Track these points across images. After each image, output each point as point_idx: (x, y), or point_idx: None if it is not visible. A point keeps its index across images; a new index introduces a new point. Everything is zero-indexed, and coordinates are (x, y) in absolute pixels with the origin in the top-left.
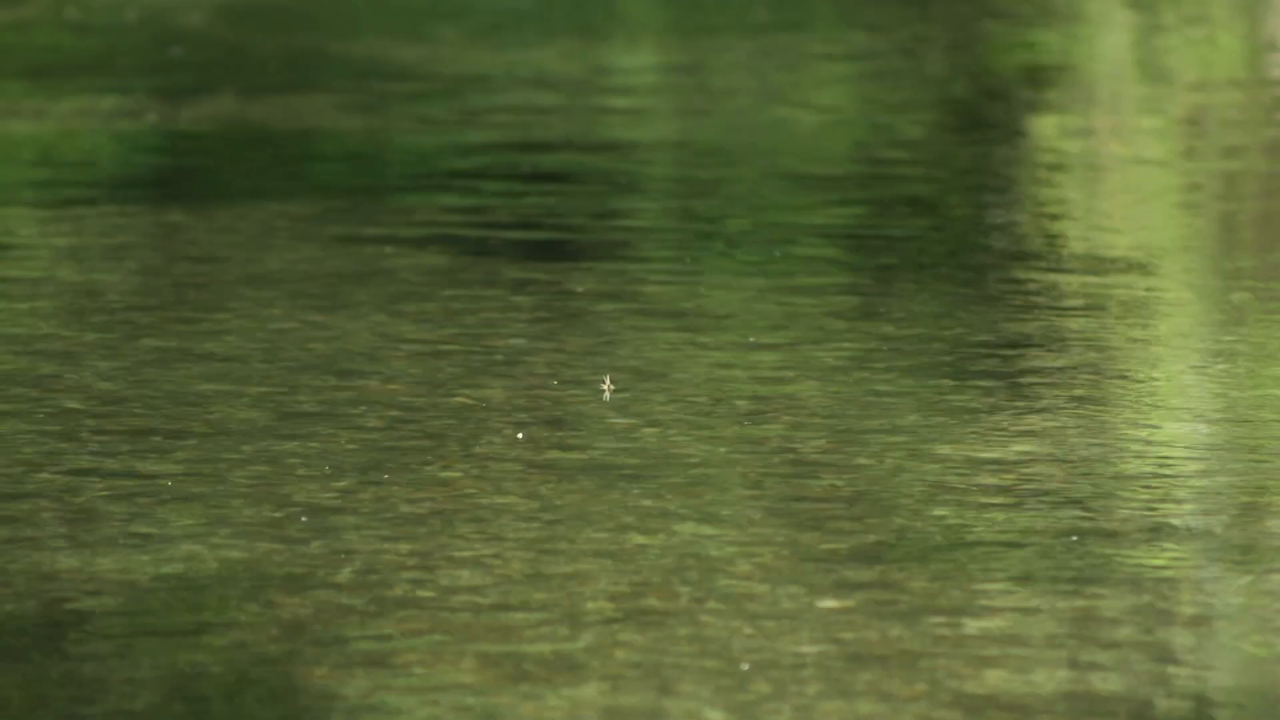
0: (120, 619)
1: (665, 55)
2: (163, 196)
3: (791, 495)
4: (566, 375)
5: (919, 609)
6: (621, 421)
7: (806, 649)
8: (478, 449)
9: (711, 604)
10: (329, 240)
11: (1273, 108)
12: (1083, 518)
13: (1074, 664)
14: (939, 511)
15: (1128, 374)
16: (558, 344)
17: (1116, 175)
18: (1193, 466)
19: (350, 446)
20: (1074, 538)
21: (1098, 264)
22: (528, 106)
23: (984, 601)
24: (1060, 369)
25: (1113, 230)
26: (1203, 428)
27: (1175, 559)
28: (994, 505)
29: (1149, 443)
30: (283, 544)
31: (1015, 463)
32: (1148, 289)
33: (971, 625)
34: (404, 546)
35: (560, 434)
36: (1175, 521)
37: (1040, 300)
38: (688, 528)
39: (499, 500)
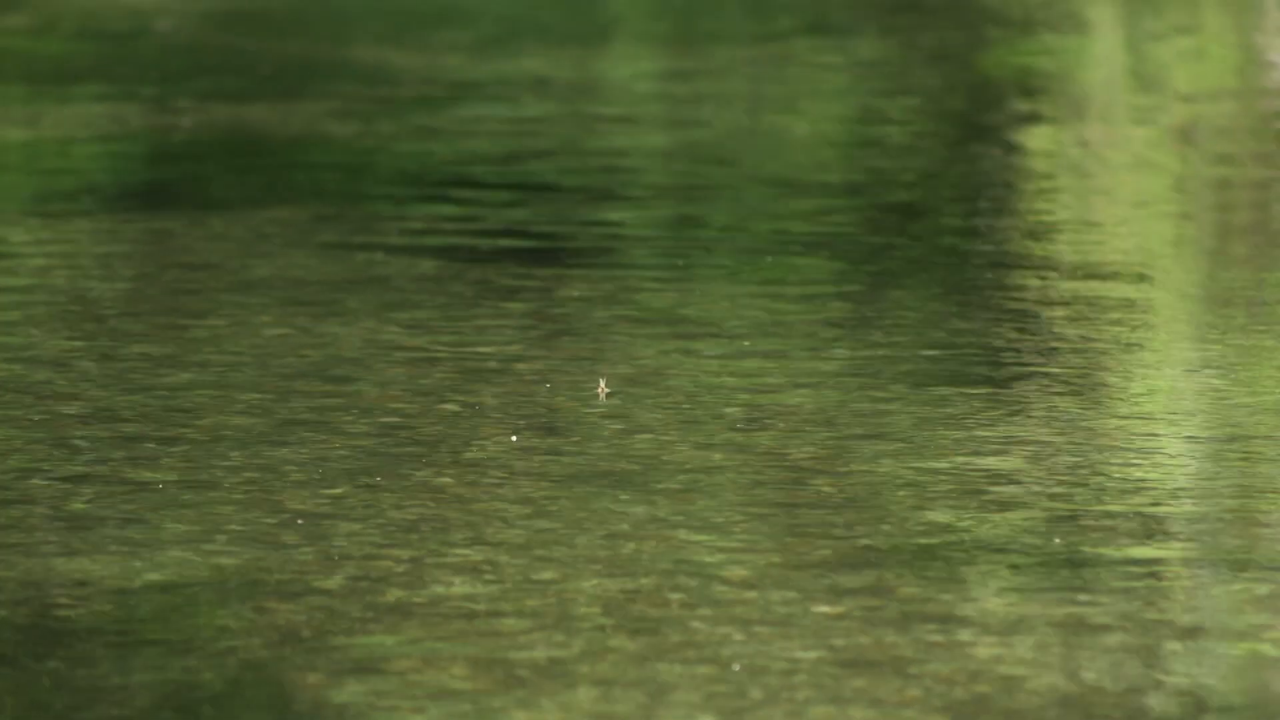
0: (112, 625)
1: (658, 63)
2: (154, 203)
3: (784, 501)
4: (558, 381)
5: (911, 615)
6: (613, 427)
7: (798, 655)
8: (470, 455)
9: (704, 610)
10: (321, 247)
11: (1265, 117)
12: (1074, 524)
13: (1065, 670)
14: (931, 517)
15: (1119, 381)
16: (550, 350)
17: (1108, 183)
18: (1184, 473)
19: (342, 453)
20: (1059, 541)
21: (1089, 271)
22: (520, 113)
23: (976, 607)
24: (1051, 376)
25: (1104, 238)
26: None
27: (1167, 565)
28: (986, 511)
29: (1141, 450)
30: (275, 550)
31: (1007, 469)
32: (1139, 296)
33: (963, 631)
34: (396, 553)
35: (552, 440)
36: (1167, 528)
37: (1032, 307)
38: (680, 534)
39: (491, 506)
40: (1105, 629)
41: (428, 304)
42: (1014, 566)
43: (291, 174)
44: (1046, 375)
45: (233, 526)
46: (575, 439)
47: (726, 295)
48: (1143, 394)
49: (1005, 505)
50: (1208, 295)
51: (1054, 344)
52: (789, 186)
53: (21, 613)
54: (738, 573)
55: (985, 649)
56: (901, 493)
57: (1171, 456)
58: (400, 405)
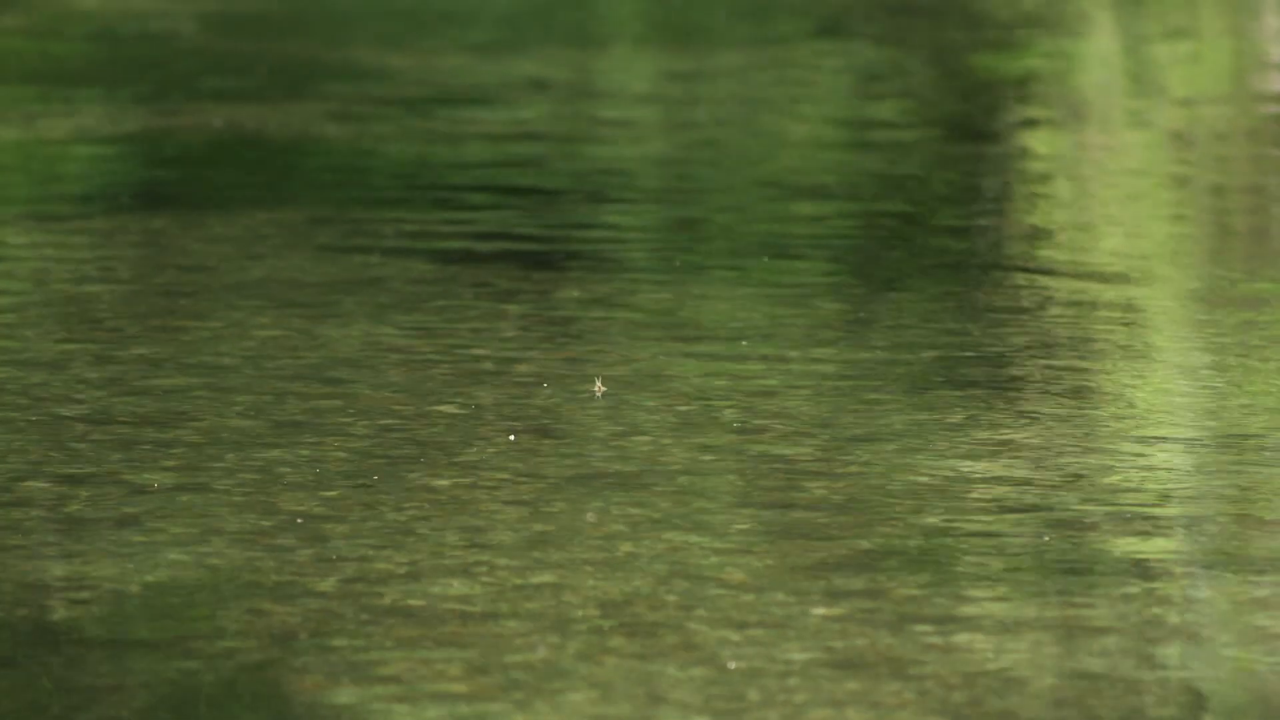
0: (109, 627)
1: (655, 65)
2: (151, 205)
3: (780, 503)
4: (555, 383)
5: (908, 617)
6: (610, 429)
7: (795, 656)
8: (467, 457)
9: (700, 612)
10: (318, 249)
11: (1262, 120)
12: (1071, 525)
13: (1062, 672)
14: (928, 519)
15: (1116, 383)
16: (546, 352)
17: (1105, 186)
18: (1182, 473)
19: (339, 455)
20: (1049, 540)
21: (1086, 273)
22: (518, 116)
23: (972, 609)
24: (1048, 378)
25: (1101, 240)
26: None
27: (1165, 566)
28: (983, 513)
29: (1137, 452)
30: (272, 552)
31: (1004, 471)
32: (1136, 298)
33: (960, 633)
34: (392, 555)
35: (549, 442)
36: (1164, 529)
37: (1028, 309)
38: (676, 536)
39: (488, 508)
40: (1102, 630)
41: (425, 306)
42: (1011, 568)
43: (288, 176)
44: (1043, 377)
45: (229, 528)
46: (572, 441)
47: (723, 297)
48: (1140, 395)
49: (1002, 507)
50: (1204, 297)
51: (1051, 346)
52: (786, 189)
53: (18, 614)
54: (734, 575)
55: (982, 650)
56: (898, 494)
57: (1169, 457)
58: (397, 407)
